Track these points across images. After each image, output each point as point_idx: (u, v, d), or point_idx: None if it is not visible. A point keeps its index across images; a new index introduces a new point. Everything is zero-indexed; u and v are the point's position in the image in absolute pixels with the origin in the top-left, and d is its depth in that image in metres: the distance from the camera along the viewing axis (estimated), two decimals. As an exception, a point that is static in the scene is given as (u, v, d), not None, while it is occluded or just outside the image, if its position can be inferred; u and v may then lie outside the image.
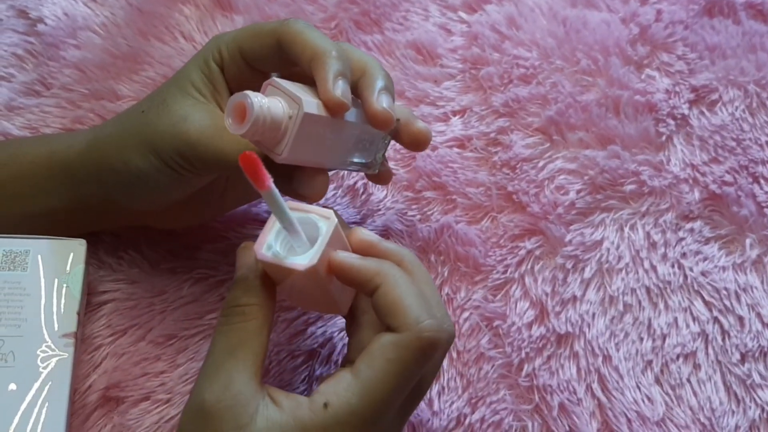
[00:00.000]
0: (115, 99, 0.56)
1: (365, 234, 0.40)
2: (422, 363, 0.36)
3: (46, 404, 0.41)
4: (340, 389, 0.35)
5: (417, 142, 0.45)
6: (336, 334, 0.48)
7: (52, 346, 0.42)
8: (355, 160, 0.43)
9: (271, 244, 0.37)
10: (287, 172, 0.40)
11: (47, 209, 0.45)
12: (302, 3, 0.61)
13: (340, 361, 0.47)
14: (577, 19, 0.59)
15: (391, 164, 0.54)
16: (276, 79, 0.38)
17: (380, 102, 0.40)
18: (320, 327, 0.48)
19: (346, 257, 0.38)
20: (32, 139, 0.52)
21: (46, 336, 0.43)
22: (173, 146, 0.41)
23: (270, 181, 0.33)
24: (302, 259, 0.36)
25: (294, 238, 0.36)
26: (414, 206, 0.52)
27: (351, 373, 0.36)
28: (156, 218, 0.47)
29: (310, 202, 0.40)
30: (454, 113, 0.57)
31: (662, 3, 0.60)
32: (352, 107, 0.40)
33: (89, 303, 0.49)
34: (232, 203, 0.49)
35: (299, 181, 0.40)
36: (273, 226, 0.37)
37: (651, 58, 0.59)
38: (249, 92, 0.36)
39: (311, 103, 0.37)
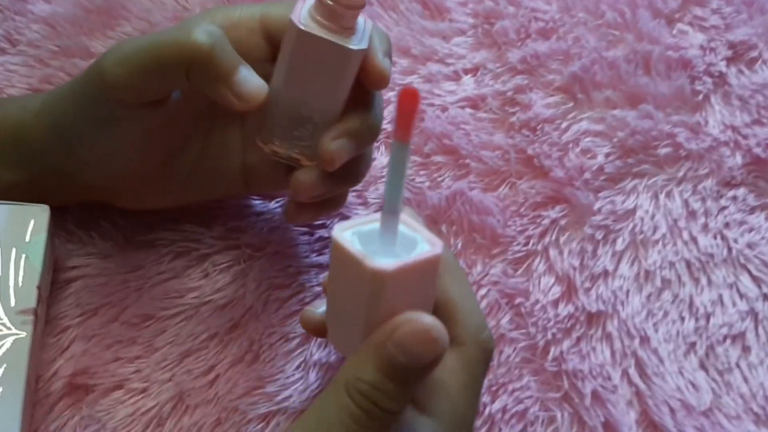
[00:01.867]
0: (87, 57, 0.50)
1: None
2: (486, 374, 0.33)
3: (0, 389, 0.35)
4: None
5: (374, 79, 0.36)
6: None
7: (8, 324, 0.37)
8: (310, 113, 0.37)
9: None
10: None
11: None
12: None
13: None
14: (601, -32, 0.54)
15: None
16: None
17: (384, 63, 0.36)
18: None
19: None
20: None
21: (1, 312, 0.37)
22: (95, 73, 0.36)
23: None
24: (387, 262, 0.28)
25: (388, 227, 0.29)
26: (422, 172, 0.47)
27: (428, 417, 0.30)
28: (116, 196, 0.42)
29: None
30: (466, 71, 0.51)
31: (694, -48, 0.55)
32: None
33: (56, 280, 0.43)
34: (200, 189, 0.43)
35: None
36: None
37: (683, 12, 0.53)
38: None
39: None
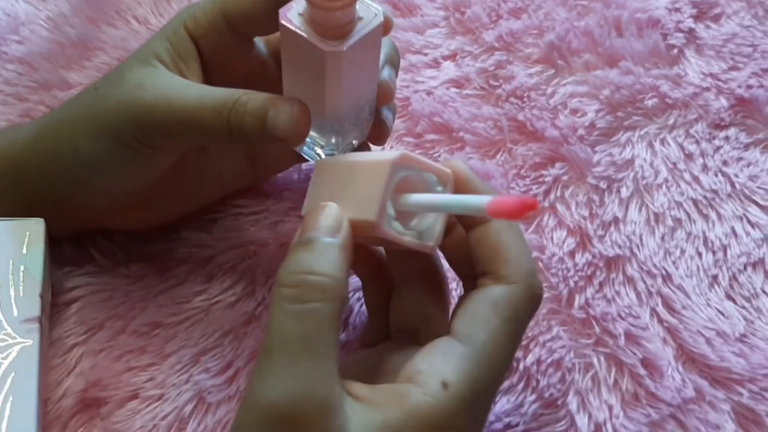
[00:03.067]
0: (66, 87, 0.50)
1: (462, 167, 0.32)
2: (529, 321, 0.31)
3: (10, 398, 0.33)
4: (453, 363, 0.28)
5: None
6: (351, 295, 0.41)
7: (12, 334, 0.35)
8: (344, 127, 0.36)
9: (391, 216, 0.30)
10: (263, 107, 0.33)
11: None
12: (263, -25, 0.56)
13: (356, 324, 0.40)
14: (559, -50, 0.55)
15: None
16: None
17: (383, 72, 0.35)
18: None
19: (468, 171, 0.31)
20: None
21: (4, 323, 0.35)
22: (128, 117, 0.34)
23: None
24: (427, 241, 0.30)
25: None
26: (418, 151, 0.46)
27: (460, 342, 0.29)
28: (117, 217, 0.40)
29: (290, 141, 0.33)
30: (445, 58, 0.51)
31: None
32: None
33: (56, 304, 0.41)
34: (205, 195, 0.42)
35: (279, 110, 0.32)
36: (388, 192, 0.30)
37: (643, -18, 0.55)
38: None
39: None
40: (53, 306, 0.41)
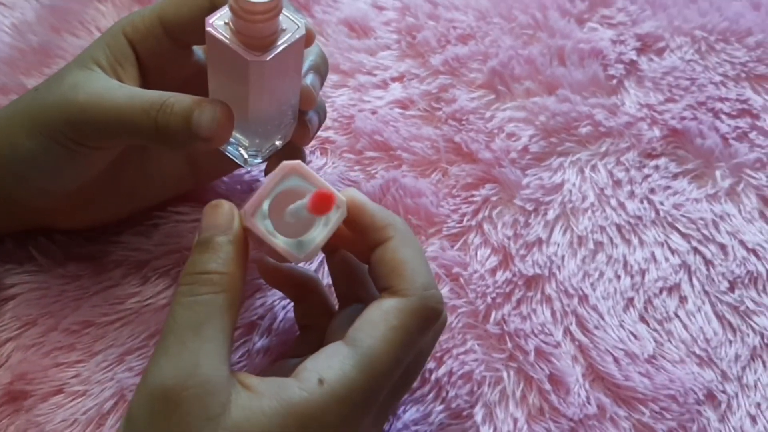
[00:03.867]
0: (23, 93, 0.51)
1: (357, 194, 0.35)
2: (424, 333, 0.32)
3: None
4: (335, 363, 0.30)
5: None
6: (277, 303, 0.42)
7: (-64, 324, 0.36)
8: (267, 130, 0.38)
9: (265, 213, 0.32)
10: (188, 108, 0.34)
11: None
12: (226, -7, 0.58)
13: (279, 329, 0.41)
14: (511, -19, 0.57)
15: (330, 133, 0.50)
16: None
17: (306, 78, 0.37)
18: (259, 298, 0.42)
19: (363, 198, 0.33)
20: None
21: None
22: (62, 116, 0.36)
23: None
24: (298, 251, 0.32)
25: (295, 219, 0.32)
26: (356, 167, 0.48)
27: (346, 345, 0.31)
28: (59, 216, 0.42)
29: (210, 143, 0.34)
30: (393, 80, 0.53)
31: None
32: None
33: (-6, 300, 0.42)
34: (146, 197, 0.44)
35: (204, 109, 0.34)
36: (271, 194, 0.32)
37: (591, 13, 0.57)
38: None
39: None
40: (-8, 302, 0.42)
